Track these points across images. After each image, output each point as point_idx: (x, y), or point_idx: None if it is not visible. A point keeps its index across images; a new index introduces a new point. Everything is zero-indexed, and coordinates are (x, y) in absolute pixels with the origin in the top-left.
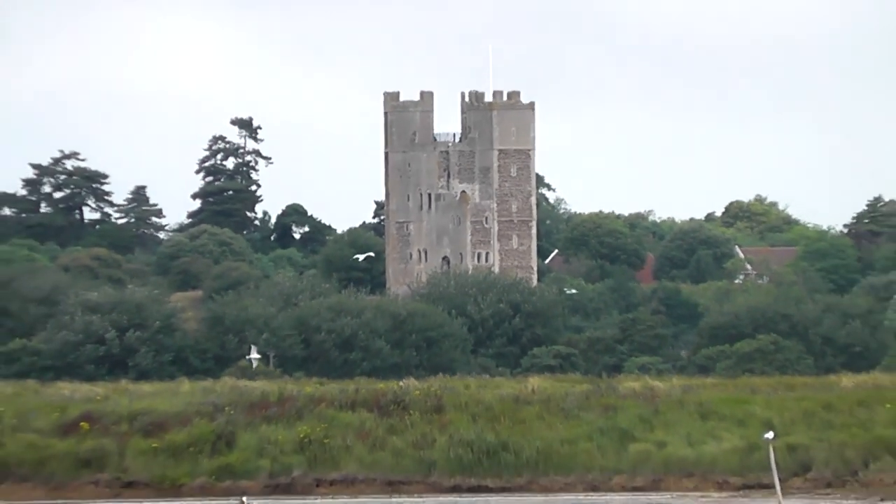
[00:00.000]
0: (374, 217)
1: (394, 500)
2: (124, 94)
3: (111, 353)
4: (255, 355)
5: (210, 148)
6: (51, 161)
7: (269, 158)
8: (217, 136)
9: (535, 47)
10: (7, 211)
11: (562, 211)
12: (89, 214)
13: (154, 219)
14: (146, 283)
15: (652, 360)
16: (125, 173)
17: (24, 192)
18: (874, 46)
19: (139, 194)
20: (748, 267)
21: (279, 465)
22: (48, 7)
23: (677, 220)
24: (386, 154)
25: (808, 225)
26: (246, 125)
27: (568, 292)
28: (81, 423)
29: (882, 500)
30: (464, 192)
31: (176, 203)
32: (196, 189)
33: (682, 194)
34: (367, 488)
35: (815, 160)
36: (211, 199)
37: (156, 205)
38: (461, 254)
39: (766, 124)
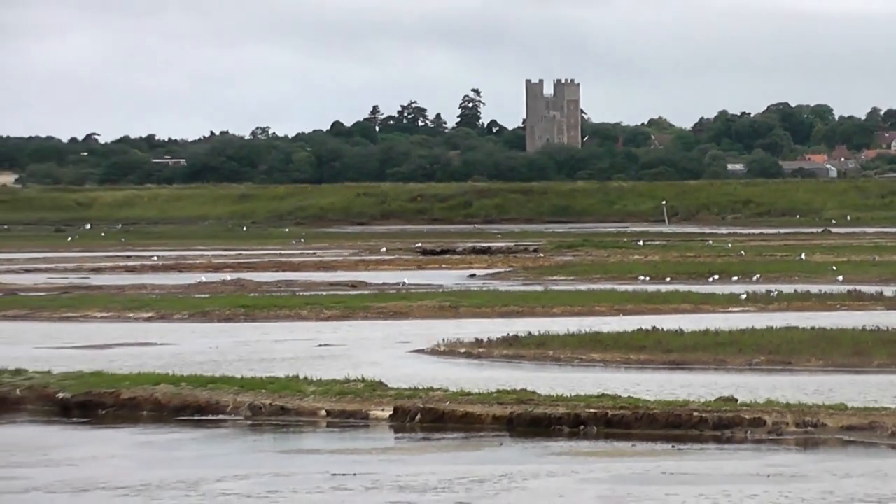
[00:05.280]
0: (522, 125)
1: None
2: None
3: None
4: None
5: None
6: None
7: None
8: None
9: (568, 61)
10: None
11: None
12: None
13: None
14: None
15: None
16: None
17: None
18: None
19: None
20: (656, 143)
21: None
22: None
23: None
24: (526, 102)
25: (678, 127)
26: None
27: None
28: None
29: (706, 225)
30: (554, 115)
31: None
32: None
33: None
34: None
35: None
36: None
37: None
38: (553, 137)
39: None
